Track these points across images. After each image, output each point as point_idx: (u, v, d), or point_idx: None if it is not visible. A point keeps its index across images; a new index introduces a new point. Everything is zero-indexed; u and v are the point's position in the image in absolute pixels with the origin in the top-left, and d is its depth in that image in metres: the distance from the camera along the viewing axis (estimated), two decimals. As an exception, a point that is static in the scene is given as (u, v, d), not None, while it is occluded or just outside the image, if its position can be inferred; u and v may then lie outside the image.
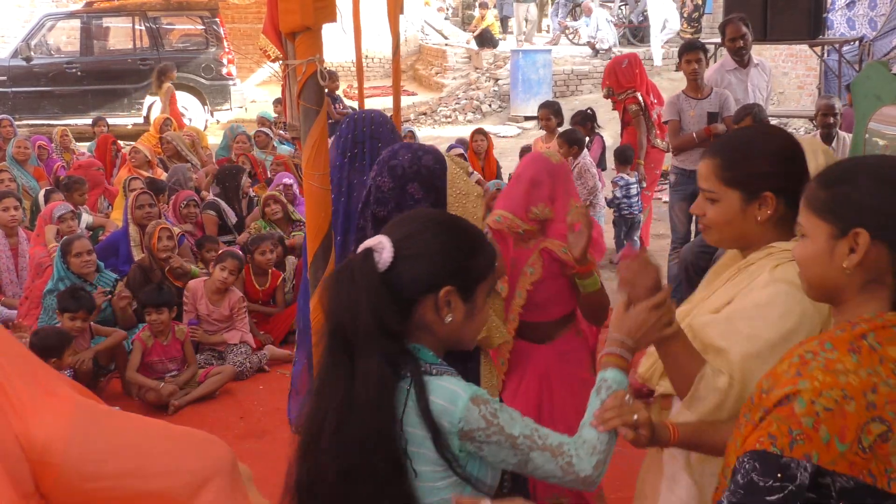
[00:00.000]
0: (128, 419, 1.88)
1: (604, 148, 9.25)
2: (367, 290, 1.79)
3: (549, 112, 8.59)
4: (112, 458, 1.69)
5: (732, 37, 7.18)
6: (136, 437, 1.79)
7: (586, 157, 8.03)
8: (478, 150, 9.80)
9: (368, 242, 1.85)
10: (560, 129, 8.41)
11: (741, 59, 7.29)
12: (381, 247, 1.82)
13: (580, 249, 3.08)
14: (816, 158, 2.17)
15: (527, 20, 19.97)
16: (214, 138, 12.59)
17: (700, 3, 19.36)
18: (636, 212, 8.27)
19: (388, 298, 1.81)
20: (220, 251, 6.73)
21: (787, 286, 2.05)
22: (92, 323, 5.70)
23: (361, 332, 1.78)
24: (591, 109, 9.32)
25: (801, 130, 11.74)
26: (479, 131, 10.06)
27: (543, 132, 8.98)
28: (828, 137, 6.62)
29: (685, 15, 19.24)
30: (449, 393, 1.78)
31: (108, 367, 5.81)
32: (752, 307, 2.09)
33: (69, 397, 1.72)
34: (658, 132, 8.77)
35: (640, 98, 8.89)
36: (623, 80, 8.96)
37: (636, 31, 19.84)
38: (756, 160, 2.15)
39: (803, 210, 1.76)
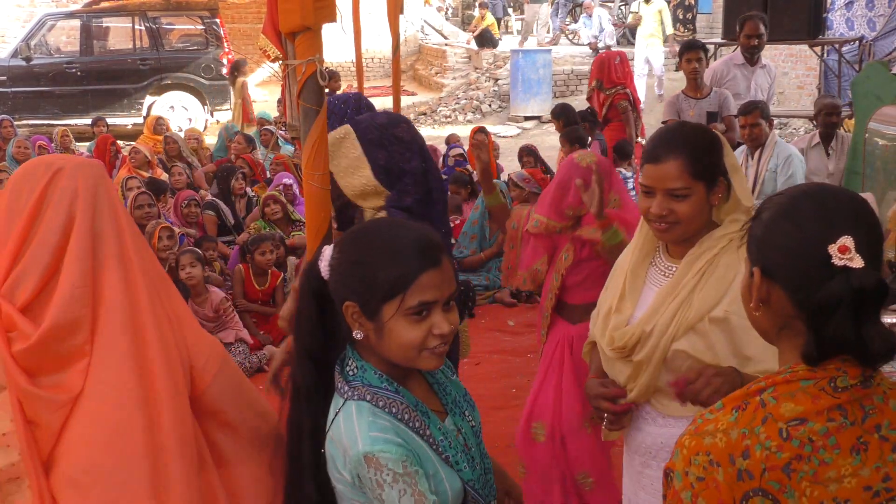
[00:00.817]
0: (240, 375, 2.63)
1: (604, 147, 9.26)
2: (307, 293, 1.84)
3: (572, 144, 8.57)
4: (231, 401, 2.46)
5: (749, 34, 7.19)
6: (246, 390, 2.56)
7: None
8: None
9: (324, 251, 1.85)
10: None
11: (752, 56, 7.29)
12: (324, 257, 1.82)
13: (596, 204, 3.30)
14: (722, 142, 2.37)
15: (538, 21, 20.01)
16: (214, 138, 12.59)
17: (693, 2, 19.33)
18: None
19: (323, 310, 1.84)
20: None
21: None
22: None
23: (301, 331, 1.85)
24: (592, 109, 9.31)
25: (801, 130, 11.74)
26: (481, 129, 10.06)
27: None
28: (828, 137, 6.61)
29: (680, 17, 19.23)
30: (351, 437, 1.71)
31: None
32: None
33: (217, 342, 2.67)
34: (642, 130, 8.83)
35: (630, 95, 8.93)
36: (615, 76, 9.00)
37: (635, 31, 19.85)
38: (710, 150, 2.26)
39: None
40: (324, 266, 1.78)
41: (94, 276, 2.25)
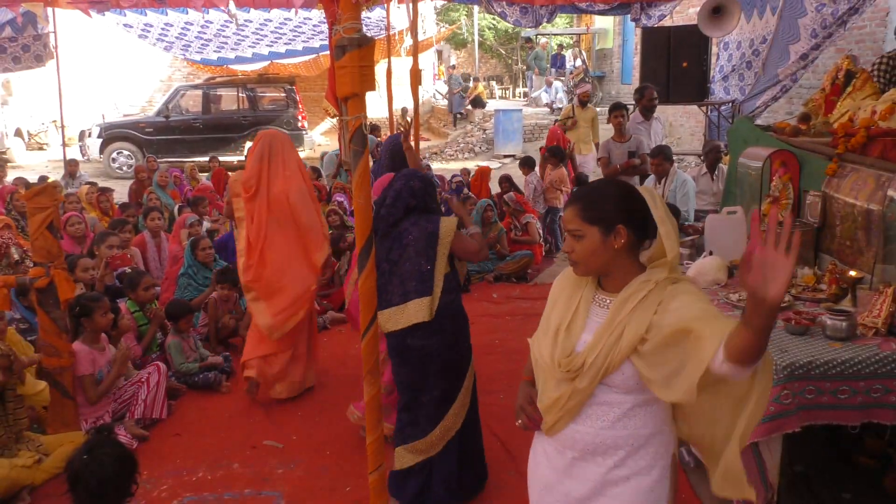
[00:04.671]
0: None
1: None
2: None
3: (555, 159, 8.75)
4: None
5: (650, 98, 7.33)
6: None
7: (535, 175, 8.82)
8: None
9: None
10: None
11: (649, 113, 7.40)
12: None
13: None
14: (654, 201, 1.88)
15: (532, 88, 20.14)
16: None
17: (590, 80, 19.15)
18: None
19: None
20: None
21: (692, 286, 1.89)
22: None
23: None
24: (558, 146, 9.25)
25: (693, 163, 11.67)
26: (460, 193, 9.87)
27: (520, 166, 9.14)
28: (713, 168, 6.59)
29: (575, 85, 19.10)
30: None
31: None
32: (692, 307, 1.78)
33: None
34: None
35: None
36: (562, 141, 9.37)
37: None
38: (606, 201, 1.88)
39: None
40: None
41: None
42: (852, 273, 3.13)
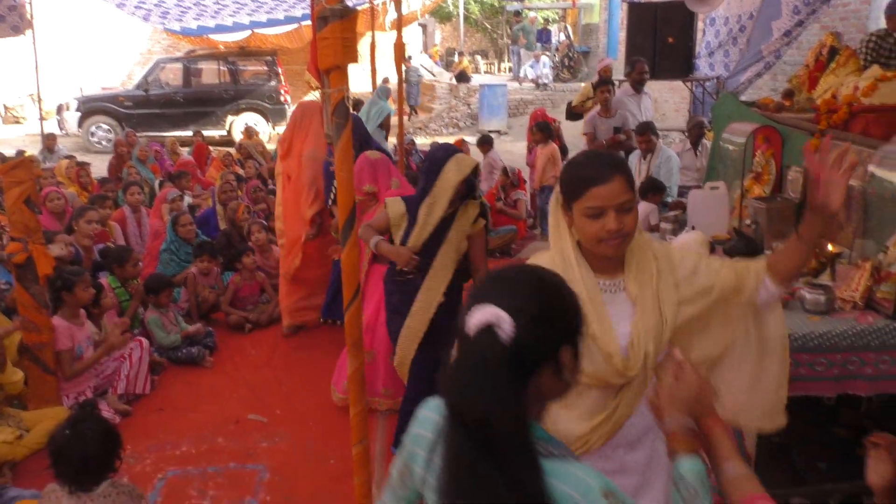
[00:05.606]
0: None
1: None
2: (505, 377, 1.06)
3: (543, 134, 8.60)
4: None
5: (640, 71, 7.26)
6: None
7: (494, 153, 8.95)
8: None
9: (481, 317, 1.10)
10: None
11: (639, 88, 7.33)
12: (499, 318, 1.09)
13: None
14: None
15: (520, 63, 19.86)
16: (274, 145, 12.48)
17: (575, 55, 19.06)
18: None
19: (516, 377, 1.09)
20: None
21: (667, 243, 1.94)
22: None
23: (512, 429, 1.05)
24: (546, 122, 9.19)
25: (677, 139, 11.70)
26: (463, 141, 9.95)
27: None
28: (697, 144, 6.61)
29: (566, 64, 18.95)
30: (580, 483, 1.09)
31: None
32: (695, 258, 1.84)
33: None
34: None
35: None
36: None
37: (568, 71, 19.73)
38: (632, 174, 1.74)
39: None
40: (509, 329, 1.08)
41: None
42: (831, 248, 3.17)
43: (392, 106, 8.01)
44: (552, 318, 1.14)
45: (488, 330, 1.09)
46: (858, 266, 2.95)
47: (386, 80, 14.52)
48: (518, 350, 1.09)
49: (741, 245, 3.59)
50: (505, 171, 8.25)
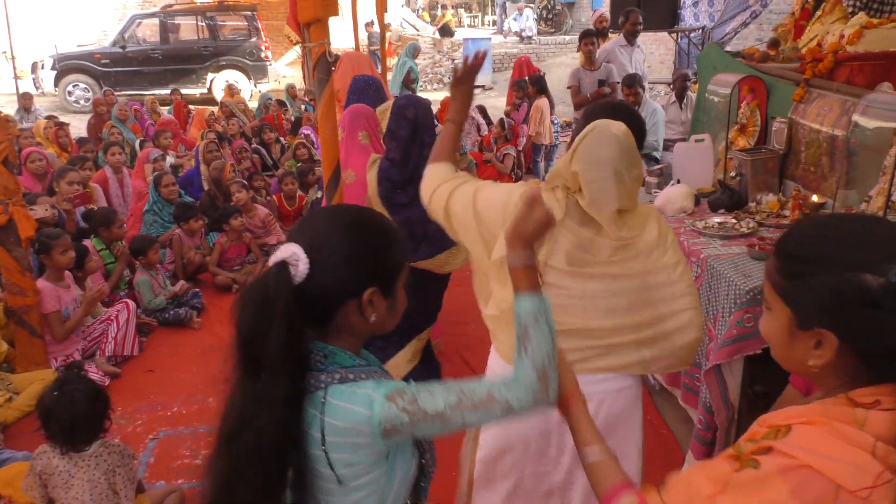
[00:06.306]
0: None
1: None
2: (281, 309, 1.16)
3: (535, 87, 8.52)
4: None
5: (634, 22, 7.06)
6: None
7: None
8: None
9: (280, 254, 1.21)
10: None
11: (632, 39, 7.15)
12: (296, 258, 1.19)
13: None
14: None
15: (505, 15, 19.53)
16: (256, 103, 12.29)
17: (556, 6, 18.74)
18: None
19: (304, 311, 1.19)
20: (262, 181, 6.70)
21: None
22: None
23: (271, 353, 1.15)
24: (539, 75, 9.07)
25: (662, 92, 11.63)
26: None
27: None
28: (682, 97, 6.57)
29: (545, 16, 18.62)
30: (364, 398, 1.17)
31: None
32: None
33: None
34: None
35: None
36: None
37: (552, 24, 19.45)
38: None
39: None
40: (303, 269, 1.19)
41: None
42: (815, 198, 3.18)
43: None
44: (355, 261, 1.22)
45: (283, 265, 1.20)
46: (841, 216, 2.97)
47: (369, 25, 14.20)
48: (311, 287, 1.19)
49: (725, 197, 3.61)
50: (502, 122, 8.15)
